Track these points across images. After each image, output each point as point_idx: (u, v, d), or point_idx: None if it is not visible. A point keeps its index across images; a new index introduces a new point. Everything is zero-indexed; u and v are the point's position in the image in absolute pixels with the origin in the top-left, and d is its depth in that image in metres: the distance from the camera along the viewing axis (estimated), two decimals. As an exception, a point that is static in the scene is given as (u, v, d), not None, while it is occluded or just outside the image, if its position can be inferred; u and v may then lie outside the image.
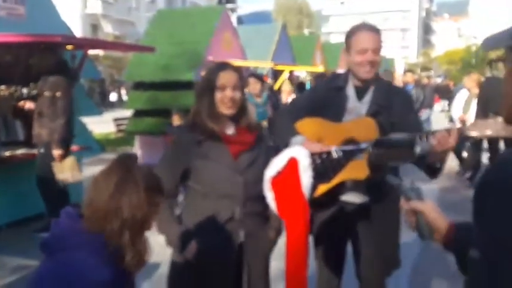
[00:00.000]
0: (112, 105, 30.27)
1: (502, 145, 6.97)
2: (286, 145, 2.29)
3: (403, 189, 1.39)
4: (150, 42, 8.97)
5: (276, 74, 12.69)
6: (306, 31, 44.98)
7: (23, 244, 4.62)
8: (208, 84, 2.13)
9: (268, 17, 56.32)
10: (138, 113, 9.37)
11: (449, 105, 11.70)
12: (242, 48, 10.78)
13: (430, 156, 2.12)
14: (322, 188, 2.26)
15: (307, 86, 13.31)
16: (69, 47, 5.74)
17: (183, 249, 2.08)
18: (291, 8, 55.34)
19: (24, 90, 5.48)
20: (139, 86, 9.38)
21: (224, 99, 2.10)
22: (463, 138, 2.02)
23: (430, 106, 9.47)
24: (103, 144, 9.85)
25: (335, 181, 2.27)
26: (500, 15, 59.34)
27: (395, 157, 2.23)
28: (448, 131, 2.00)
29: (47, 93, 4.94)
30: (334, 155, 2.26)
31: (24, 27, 5.48)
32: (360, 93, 2.43)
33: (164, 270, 2.30)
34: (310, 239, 2.29)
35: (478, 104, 6.73)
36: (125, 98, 28.66)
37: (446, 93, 17.83)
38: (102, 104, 27.44)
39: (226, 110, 2.11)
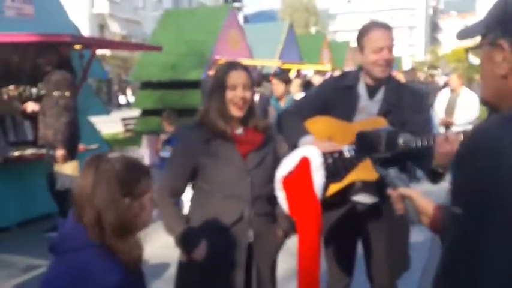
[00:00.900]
0: (119, 106, 30.36)
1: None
2: (294, 145, 2.26)
3: (390, 178, 1.45)
4: (157, 42, 8.99)
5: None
6: (312, 29, 44.80)
7: (32, 244, 4.62)
8: (218, 83, 2.11)
9: (274, 16, 56.27)
10: (146, 113, 9.39)
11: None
12: (249, 47, 10.77)
13: (434, 161, 2.04)
14: (334, 188, 2.24)
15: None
16: (77, 46, 5.74)
17: (192, 250, 2.07)
18: (297, 7, 55.13)
19: (33, 90, 5.46)
20: (146, 85, 9.41)
21: (235, 99, 2.08)
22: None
23: (431, 105, 9.33)
24: (111, 144, 9.87)
25: (346, 181, 2.24)
26: (508, 13, 58.74)
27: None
28: (446, 137, 1.82)
29: (49, 93, 4.88)
30: (346, 154, 2.24)
31: (32, 27, 5.49)
32: (371, 92, 2.39)
33: (173, 271, 2.29)
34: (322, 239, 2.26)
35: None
36: (131, 99, 28.63)
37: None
38: (109, 104, 27.50)
39: (236, 111, 2.09)
